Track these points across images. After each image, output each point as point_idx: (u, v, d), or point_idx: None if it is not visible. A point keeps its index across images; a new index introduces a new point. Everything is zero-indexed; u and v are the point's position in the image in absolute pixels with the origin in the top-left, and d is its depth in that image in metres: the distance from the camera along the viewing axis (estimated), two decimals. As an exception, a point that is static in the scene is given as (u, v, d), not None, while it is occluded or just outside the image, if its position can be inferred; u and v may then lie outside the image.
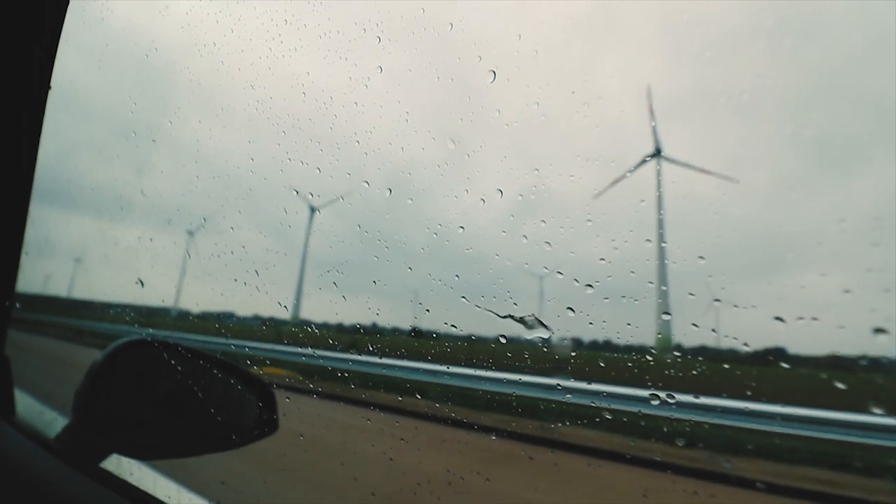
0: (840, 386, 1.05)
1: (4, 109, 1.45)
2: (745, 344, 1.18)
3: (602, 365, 1.52)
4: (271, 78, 2.35)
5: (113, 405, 1.25)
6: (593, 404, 1.43)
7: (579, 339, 1.53)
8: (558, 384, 1.49)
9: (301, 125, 2.27)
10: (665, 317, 1.44)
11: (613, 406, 1.46)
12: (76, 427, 1.22)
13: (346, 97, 2.05)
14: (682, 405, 1.24)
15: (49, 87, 1.53)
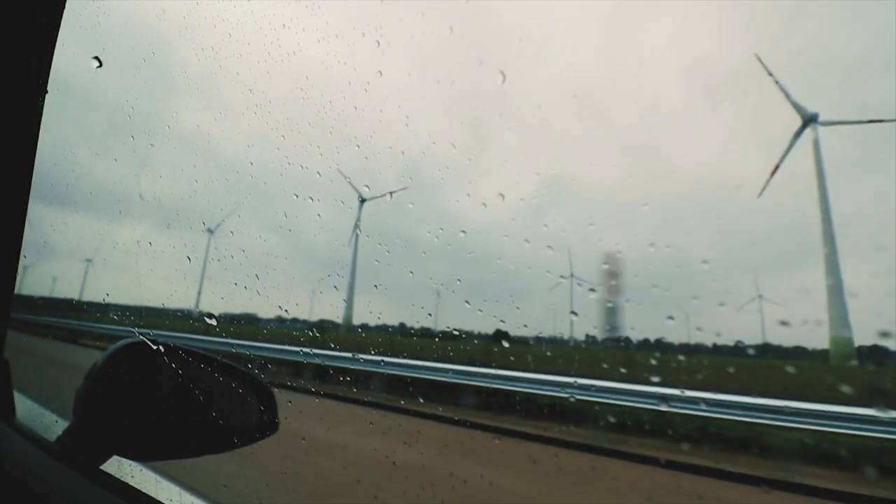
0: None
1: (1, 112, 1.46)
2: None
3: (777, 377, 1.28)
4: (270, 82, 2.35)
5: (114, 407, 1.25)
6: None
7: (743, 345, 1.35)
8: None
9: (300, 129, 2.27)
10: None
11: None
12: (77, 429, 1.22)
13: (346, 101, 2.06)
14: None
15: (46, 92, 1.53)
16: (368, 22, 2.05)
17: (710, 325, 1.23)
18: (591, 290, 1.47)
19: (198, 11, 2.64)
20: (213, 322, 2.06)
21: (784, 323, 1.27)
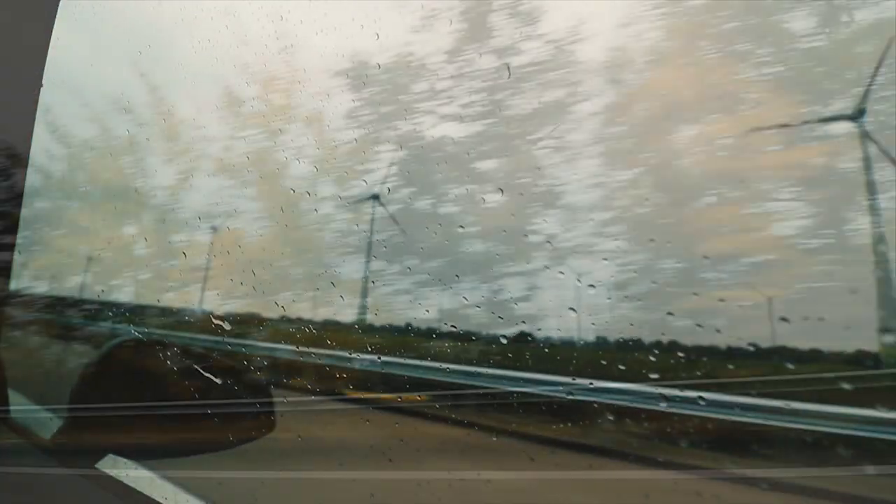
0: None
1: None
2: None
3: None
4: (267, 75, 2.33)
5: (108, 405, 1.23)
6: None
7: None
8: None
9: (298, 123, 2.25)
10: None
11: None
12: (71, 427, 1.21)
13: (344, 94, 2.04)
14: None
15: (41, 85, 1.51)
16: (367, 14, 2.02)
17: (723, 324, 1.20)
18: (591, 286, 1.46)
19: (195, 3, 2.61)
20: (226, 325, 2.04)
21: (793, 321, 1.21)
